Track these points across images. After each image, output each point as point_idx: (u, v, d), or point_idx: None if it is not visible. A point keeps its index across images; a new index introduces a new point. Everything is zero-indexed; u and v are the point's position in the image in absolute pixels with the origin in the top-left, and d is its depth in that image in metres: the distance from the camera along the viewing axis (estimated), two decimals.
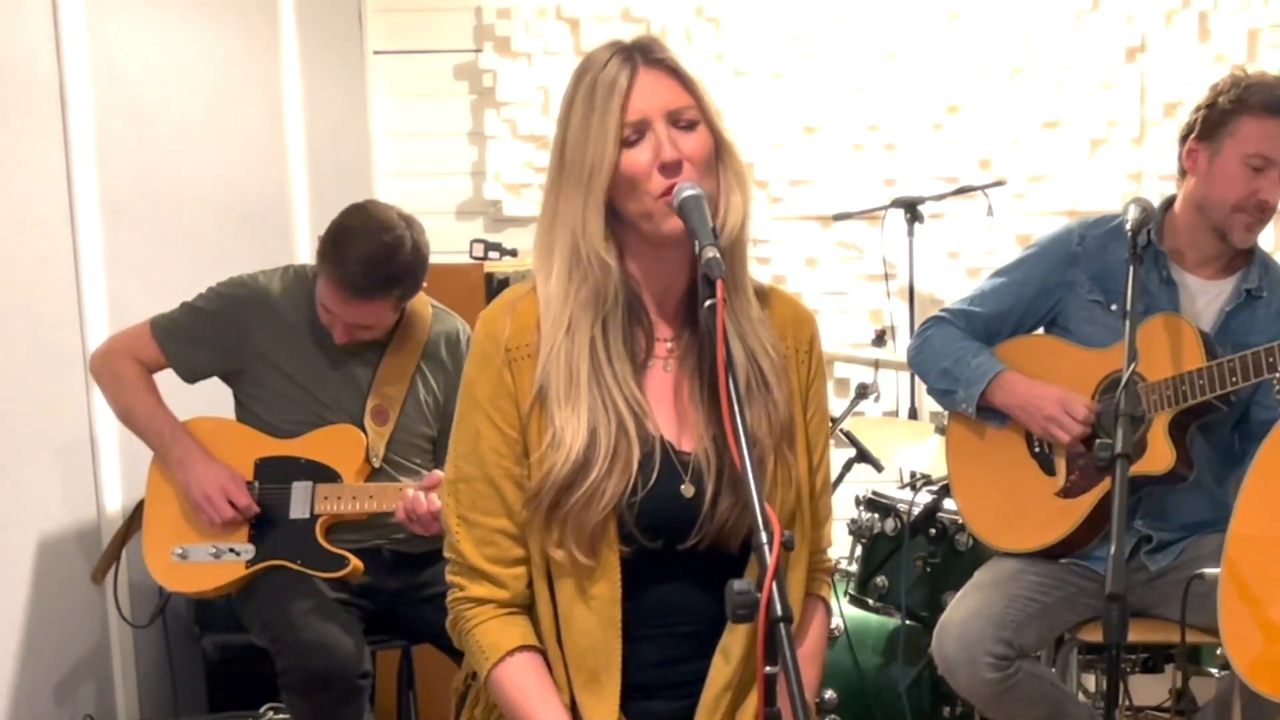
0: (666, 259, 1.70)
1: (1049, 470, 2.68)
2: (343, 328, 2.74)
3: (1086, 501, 2.60)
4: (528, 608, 1.72)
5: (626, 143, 1.62)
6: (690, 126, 1.64)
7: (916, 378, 3.03)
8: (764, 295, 1.77)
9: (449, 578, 1.74)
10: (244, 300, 2.78)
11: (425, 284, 2.80)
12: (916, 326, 3.68)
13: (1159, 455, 2.52)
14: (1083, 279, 2.68)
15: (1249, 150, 2.50)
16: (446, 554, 1.75)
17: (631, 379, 1.66)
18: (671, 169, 1.62)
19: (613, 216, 1.67)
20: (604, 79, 1.62)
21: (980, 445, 2.76)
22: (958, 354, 2.71)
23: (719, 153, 1.67)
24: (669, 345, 1.73)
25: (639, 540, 1.66)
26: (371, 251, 2.64)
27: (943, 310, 2.83)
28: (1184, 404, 2.48)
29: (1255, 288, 2.61)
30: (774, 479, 1.70)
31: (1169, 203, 2.67)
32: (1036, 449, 2.71)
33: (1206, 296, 2.63)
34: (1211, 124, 2.54)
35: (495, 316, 1.71)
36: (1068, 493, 2.63)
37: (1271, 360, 2.36)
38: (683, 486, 1.68)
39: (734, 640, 1.69)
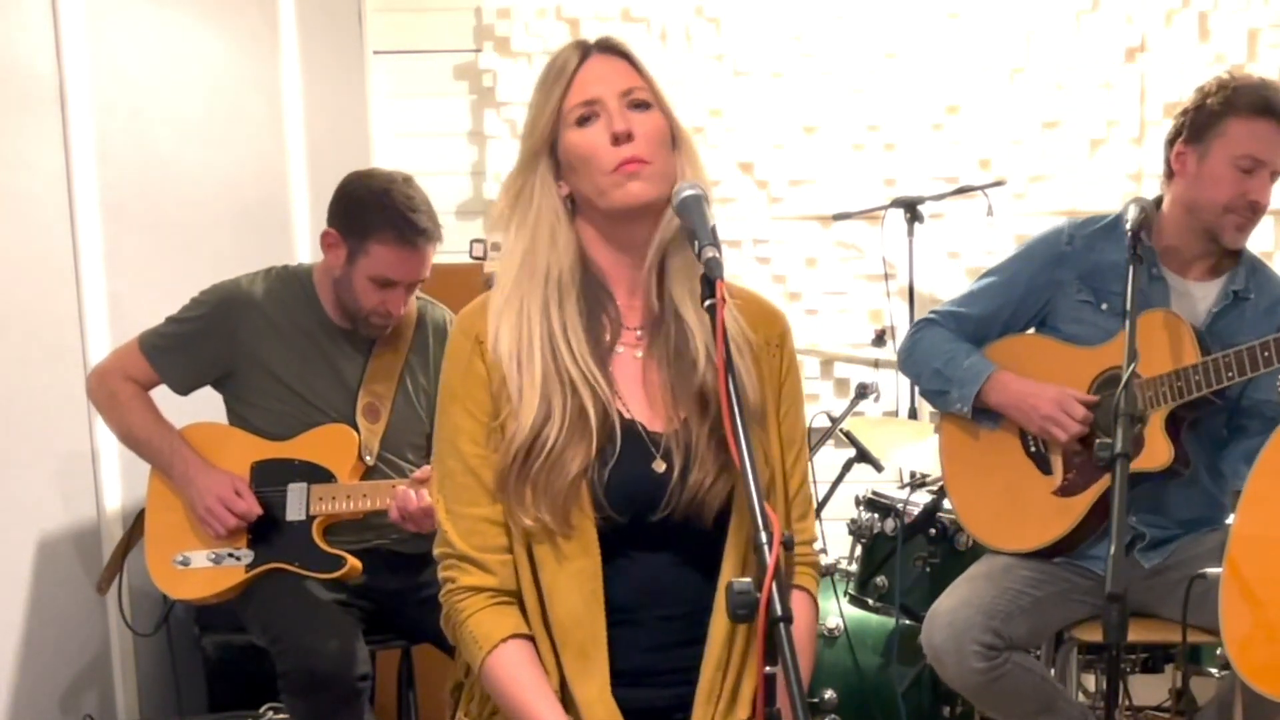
0: (630, 240, 1.74)
1: (1045, 469, 2.69)
2: (398, 296, 2.73)
3: (1085, 499, 2.60)
4: (518, 596, 1.74)
5: (581, 121, 1.69)
6: (643, 106, 1.71)
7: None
8: (731, 289, 1.79)
9: (441, 574, 1.76)
10: (228, 304, 2.78)
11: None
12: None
13: (1157, 451, 2.53)
14: (1071, 278, 2.69)
15: (1238, 152, 2.52)
16: (436, 551, 1.77)
17: (589, 355, 1.70)
18: (623, 137, 1.67)
19: (577, 212, 1.74)
20: (555, 63, 1.72)
21: (974, 446, 2.77)
22: (949, 355, 2.72)
23: (675, 139, 1.73)
24: (638, 334, 1.77)
25: (609, 512, 1.69)
26: (410, 196, 2.71)
27: (932, 312, 2.84)
28: (1181, 399, 2.49)
29: (1242, 289, 2.63)
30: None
31: (1156, 203, 2.68)
32: (1032, 448, 2.71)
33: (1195, 297, 2.64)
34: (1199, 126, 2.56)
35: (468, 314, 1.78)
36: (1065, 491, 2.64)
37: (1267, 354, 2.39)
38: (654, 464, 1.71)
39: (717, 622, 1.71)
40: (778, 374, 1.81)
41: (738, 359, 1.71)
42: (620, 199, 1.68)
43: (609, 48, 1.74)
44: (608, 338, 1.75)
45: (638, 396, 1.75)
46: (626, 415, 1.72)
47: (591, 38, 1.77)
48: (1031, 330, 2.77)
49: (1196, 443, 2.62)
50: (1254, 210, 2.55)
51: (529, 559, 1.71)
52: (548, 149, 1.72)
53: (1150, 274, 2.62)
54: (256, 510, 2.73)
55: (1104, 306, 2.65)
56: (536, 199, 1.72)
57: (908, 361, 2.82)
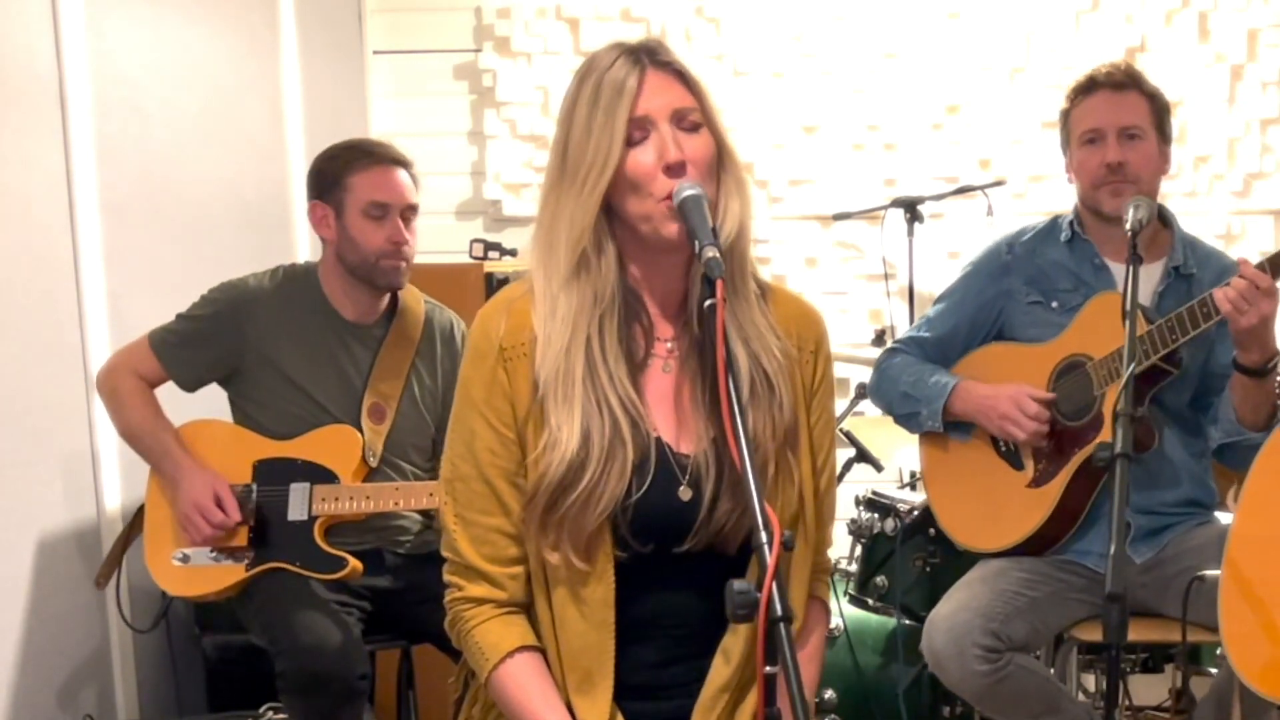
0: (665, 261, 1.70)
1: (1017, 466, 2.75)
2: (396, 226, 2.77)
3: (1057, 485, 2.65)
4: (526, 607, 1.72)
5: (630, 142, 1.62)
6: (694, 129, 1.65)
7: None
8: (767, 292, 1.77)
9: (446, 577, 1.75)
10: (237, 302, 2.79)
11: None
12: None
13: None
14: (1019, 285, 2.79)
15: (1078, 131, 2.72)
16: (444, 552, 1.75)
17: (627, 380, 1.65)
18: (676, 170, 1.62)
19: (613, 218, 1.67)
20: (611, 79, 1.62)
21: (951, 460, 2.83)
22: (915, 376, 2.81)
23: (720, 158, 1.68)
24: (669, 345, 1.72)
25: (631, 545, 1.66)
26: (360, 140, 2.94)
27: (894, 342, 2.94)
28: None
29: (1183, 265, 2.70)
30: (775, 483, 1.70)
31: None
32: (1003, 448, 2.77)
33: (1139, 281, 2.66)
34: (1066, 131, 2.78)
35: (491, 315, 1.71)
36: (1038, 482, 2.70)
37: (1206, 309, 2.43)
38: (680, 489, 1.68)
39: (734, 641, 1.69)
40: (812, 380, 1.78)
41: (778, 384, 1.68)
42: (668, 232, 1.63)
43: (662, 63, 1.64)
44: (641, 352, 1.70)
45: (666, 413, 1.70)
46: (655, 435, 1.67)
47: (633, 42, 1.67)
48: (993, 342, 2.84)
49: (1163, 415, 2.66)
50: (1116, 172, 2.65)
51: (544, 577, 1.68)
52: (606, 169, 1.61)
53: (1093, 264, 2.73)
54: (236, 518, 2.71)
55: (1054, 305, 2.74)
56: (585, 220, 1.64)
57: (876, 392, 2.91)
